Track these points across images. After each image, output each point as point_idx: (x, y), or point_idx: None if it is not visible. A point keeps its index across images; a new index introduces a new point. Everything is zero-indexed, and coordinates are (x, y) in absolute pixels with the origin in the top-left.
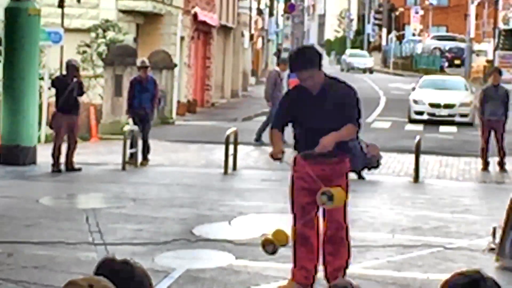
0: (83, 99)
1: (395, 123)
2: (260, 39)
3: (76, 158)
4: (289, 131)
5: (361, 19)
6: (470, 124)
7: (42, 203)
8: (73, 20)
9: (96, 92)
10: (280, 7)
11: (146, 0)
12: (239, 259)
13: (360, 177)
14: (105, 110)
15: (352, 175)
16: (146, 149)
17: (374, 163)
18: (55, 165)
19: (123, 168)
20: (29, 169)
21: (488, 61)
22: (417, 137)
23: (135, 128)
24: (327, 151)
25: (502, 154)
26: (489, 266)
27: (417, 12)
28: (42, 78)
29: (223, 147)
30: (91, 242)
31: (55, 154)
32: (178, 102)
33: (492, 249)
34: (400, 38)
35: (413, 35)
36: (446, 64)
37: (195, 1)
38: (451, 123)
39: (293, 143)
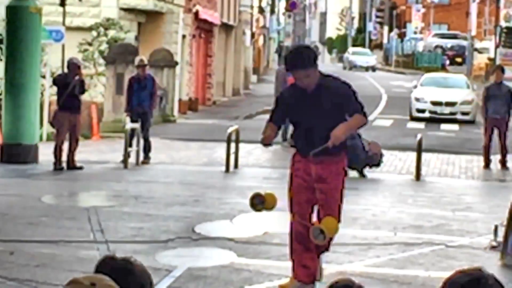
0: (84, 97)
1: (397, 121)
2: (261, 37)
3: (78, 156)
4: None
5: (363, 17)
6: (471, 122)
7: (43, 202)
8: (74, 19)
9: (98, 90)
10: (281, 5)
11: None
12: (240, 257)
13: (362, 175)
14: (106, 108)
15: (354, 173)
16: (147, 148)
17: (375, 161)
18: (57, 163)
19: (125, 167)
20: (30, 167)
21: (489, 59)
22: (419, 135)
23: (136, 126)
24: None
25: (504, 152)
26: (490, 264)
27: (418, 10)
28: (43, 77)
29: (224, 145)
30: (93, 240)
31: (57, 153)
32: (180, 100)
33: (493, 247)
34: (401, 36)
35: (415, 33)
36: (448, 62)
37: None
38: (453, 121)
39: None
